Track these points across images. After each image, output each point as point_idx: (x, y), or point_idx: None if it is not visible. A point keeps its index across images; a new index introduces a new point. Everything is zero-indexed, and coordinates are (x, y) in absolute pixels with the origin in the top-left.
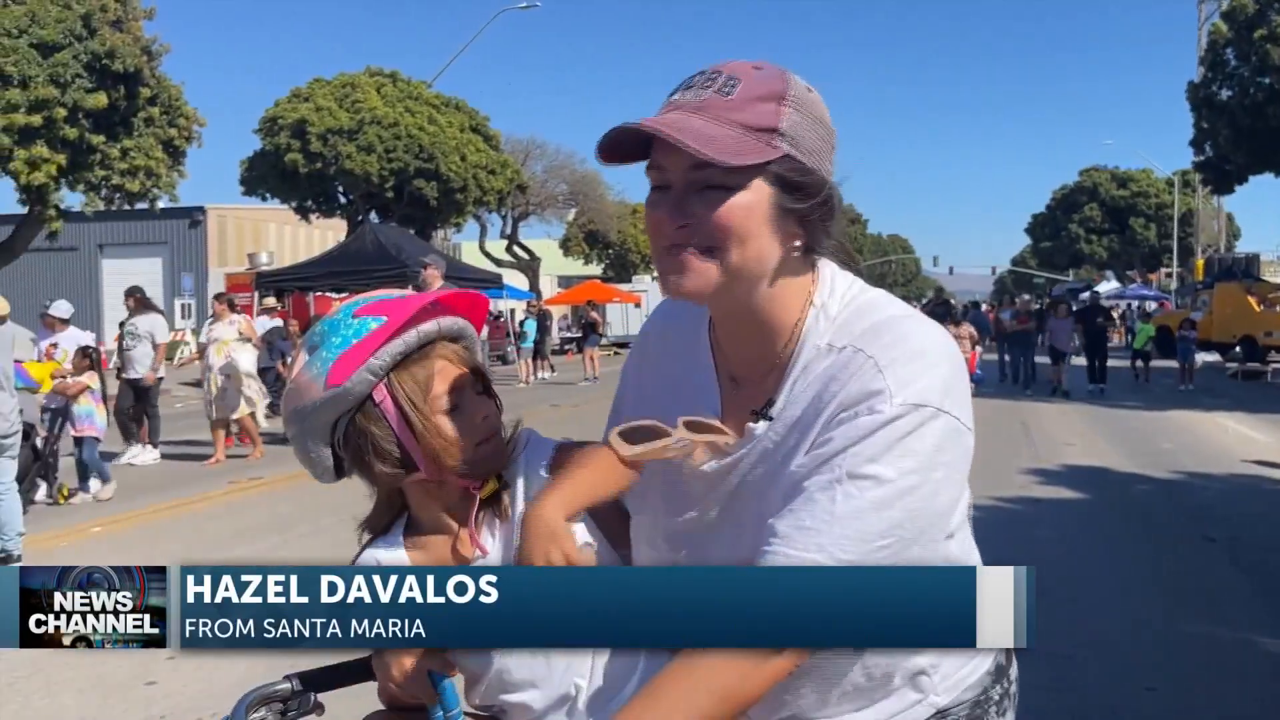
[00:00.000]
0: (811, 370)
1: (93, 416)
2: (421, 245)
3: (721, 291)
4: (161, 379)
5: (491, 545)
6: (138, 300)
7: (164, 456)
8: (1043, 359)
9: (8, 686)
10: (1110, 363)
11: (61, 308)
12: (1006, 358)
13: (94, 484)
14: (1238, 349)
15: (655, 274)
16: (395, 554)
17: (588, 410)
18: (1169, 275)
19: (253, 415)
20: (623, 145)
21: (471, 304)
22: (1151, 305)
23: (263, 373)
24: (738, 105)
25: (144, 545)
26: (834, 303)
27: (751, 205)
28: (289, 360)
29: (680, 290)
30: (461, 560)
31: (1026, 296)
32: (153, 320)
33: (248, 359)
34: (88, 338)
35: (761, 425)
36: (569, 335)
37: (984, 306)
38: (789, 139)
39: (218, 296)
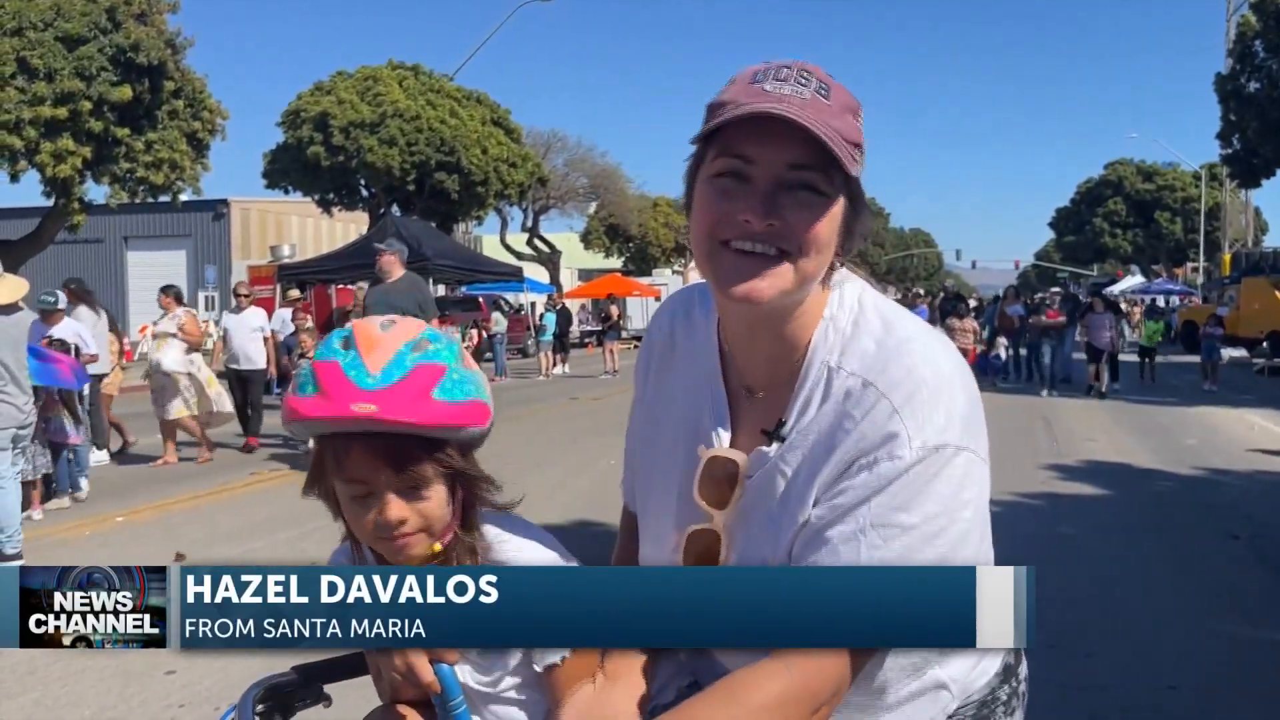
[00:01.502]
0: (821, 394)
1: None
2: (443, 238)
3: (786, 299)
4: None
5: None
6: (71, 292)
7: (182, 454)
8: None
9: (29, 674)
10: (1124, 358)
11: (63, 300)
12: (1023, 353)
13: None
14: (1264, 344)
15: (685, 266)
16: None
17: (606, 404)
18: (1195, 270)
19: (195, 417)
20: (717, 131)
21: (417, 424)
22: (1164, 301)
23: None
24: (836, 113)
25: (164, 536)
26: (842, 314)
27: (836, 216)
28: (293, 355)
29: (753, 293)
30: None
31: (1055, 290)
32: (77, 314)
33: (170, 358)
34: (84, 330)
35: (774, 447)
36: (589, 328)
37: None
38: (862, 155)
39: (164, 289)
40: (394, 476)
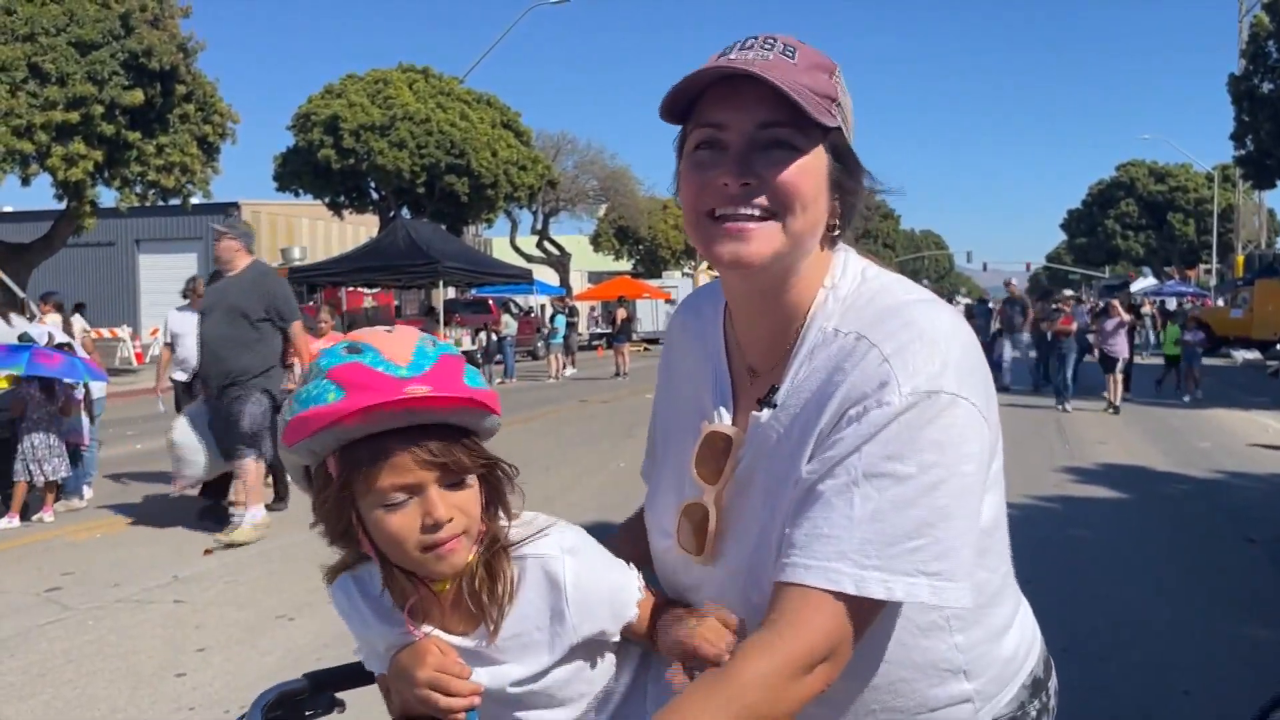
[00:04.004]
0: (816, 356)
1: None
2: (453, 241)
3: (777, 260)
4: None
5: (460, 638)
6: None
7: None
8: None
9: (39, 677)
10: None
11: (44, 333)
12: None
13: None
14: (1278, 346)
15: (695, 269)
16: (375, 583)
17: (616, 406)
18: (1208, 272)
19: None
20: (677, 101)
21: (469, 402)
22: (1174, 303)
23: None
24: (803, 70)
25: (174, 538)
26: (845, 284)
27: (816, 168)
28: None
29: (740, 257)
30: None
31: (1068, 292)
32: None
33: None
34: (57, 331)
35: (765, 413)
36: (599, 331)
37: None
38: (842, 111)
39: (43, 296)
40: (438, 469)
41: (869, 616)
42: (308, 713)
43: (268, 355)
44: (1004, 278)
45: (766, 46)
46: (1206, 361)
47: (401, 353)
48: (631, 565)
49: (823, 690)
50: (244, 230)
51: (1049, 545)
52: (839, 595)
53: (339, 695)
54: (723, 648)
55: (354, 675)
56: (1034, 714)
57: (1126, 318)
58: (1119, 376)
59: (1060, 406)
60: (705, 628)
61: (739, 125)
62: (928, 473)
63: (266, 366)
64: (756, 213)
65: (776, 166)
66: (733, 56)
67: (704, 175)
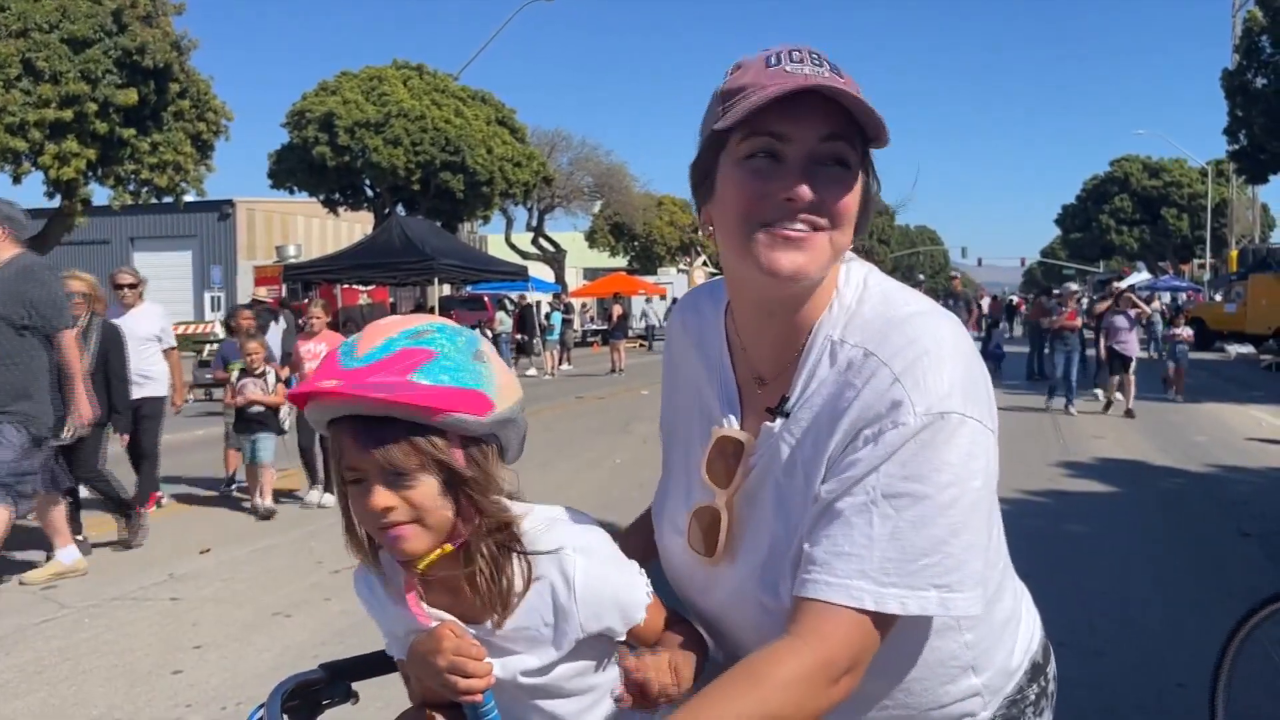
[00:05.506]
0: (824, 366)
1: None
2: (448, 238)
3: (823, 272)
4: None
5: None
6: None
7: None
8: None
9: (35, 674)
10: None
11: None
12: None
13: None
14: (1272, 340)
15: (690, 265)
16: (395, 570)
17: (612, 403)
18: (1202, 267)
19: None
20: (751, 114)
21: (382, 400)
22: (1169, 297)
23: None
24: (854, 87)
25: (174, 537)
26: (849, 291)
27: (859, 190)
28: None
29: (800, 268)
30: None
31: (1073, 286)
32: None
33: None
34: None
35: (778, 422)
36: (594, 328)
37: (1015, 298)
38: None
39: None
40: (376, 461)
41: (886, 629)
42: (324, 702)
43: (30, 374)
44: (1002, 272)
45: (815, 62)
46: (1200, 356)
47: (371, 343)
48: (641, 571)
49: (843, 700)
50: (7, 213)
51: (1045, 539)
52: (859, 611)
53: (353, 687)
54: (669, 688)
55: (370, 665)
56: (1033, 697)
57: (1148, 310)
58: (1131, 377)
59: (1065, 409)
60: (658, 666)
61: (801, 138)
62: (943, 492)
63: (24, 390)
64: (811, 227)
65: (836, 185)
66: (789, 68)
67: (762, 185)
